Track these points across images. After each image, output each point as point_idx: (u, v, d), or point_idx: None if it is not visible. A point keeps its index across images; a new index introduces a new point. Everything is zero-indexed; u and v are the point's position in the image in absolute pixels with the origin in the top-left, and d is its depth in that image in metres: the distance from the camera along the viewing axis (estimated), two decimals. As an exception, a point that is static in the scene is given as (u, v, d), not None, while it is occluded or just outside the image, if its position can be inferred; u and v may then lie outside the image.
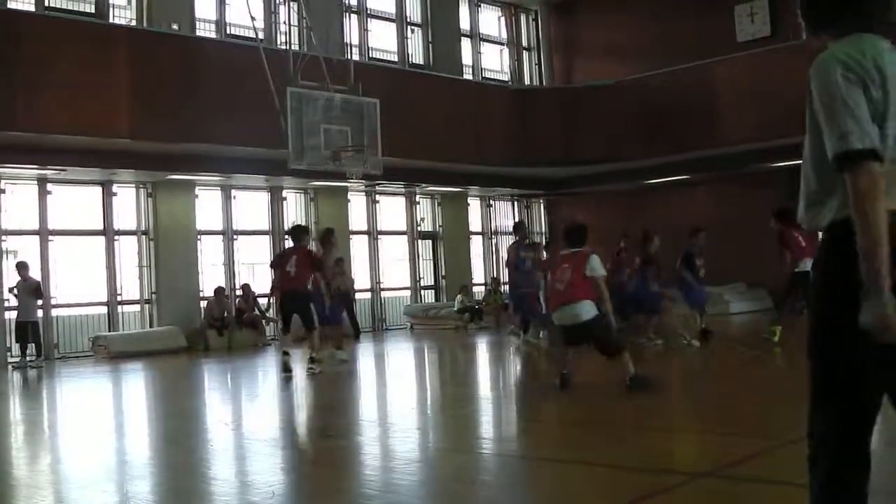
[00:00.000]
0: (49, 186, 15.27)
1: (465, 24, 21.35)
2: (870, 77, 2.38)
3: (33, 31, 13.26)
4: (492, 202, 22.50)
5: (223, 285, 16.86)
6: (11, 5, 14.19)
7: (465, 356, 14.32)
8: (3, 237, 14.77)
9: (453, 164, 18.78)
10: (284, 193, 18.27)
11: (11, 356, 14.23)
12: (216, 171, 16.27)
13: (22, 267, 14.14)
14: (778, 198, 13.75)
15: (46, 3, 14.68)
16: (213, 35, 16.63)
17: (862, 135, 2.32)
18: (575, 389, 8.37)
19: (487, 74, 21.78)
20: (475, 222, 22.13)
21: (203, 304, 16.62)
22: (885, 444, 4.66)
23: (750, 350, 11.78)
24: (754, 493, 4.53)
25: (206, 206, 17.18)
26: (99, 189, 15.99)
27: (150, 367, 13.54)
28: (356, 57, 17.20)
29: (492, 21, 22.32)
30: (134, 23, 15.54)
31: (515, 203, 23.12)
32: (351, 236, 18.94)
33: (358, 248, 19.32)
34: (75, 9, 15.00)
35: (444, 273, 20.97)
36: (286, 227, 17.28)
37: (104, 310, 15.90)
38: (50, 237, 15.21)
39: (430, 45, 20.33)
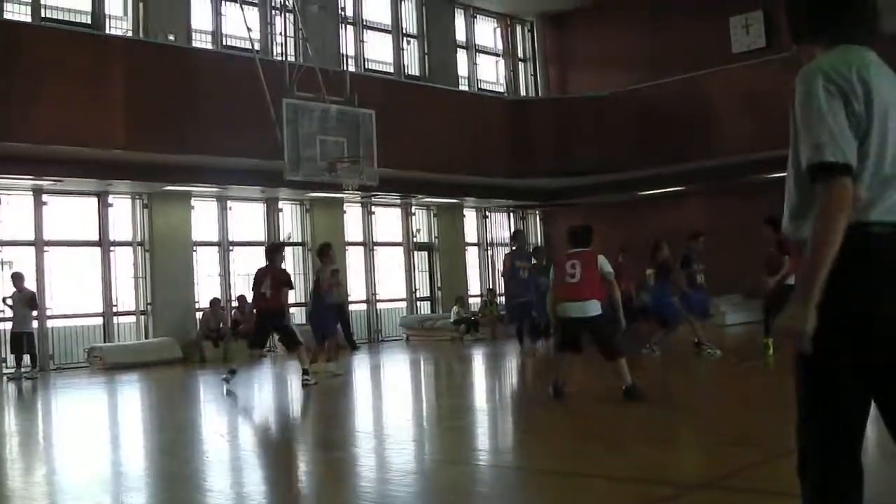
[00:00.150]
0: (45, 197, 15.25)
1: (460, 35, 21.41)
2: (852, 90, 2.37)
3: (30, 42, 13.24)
4: (488, 213, 22.51)
5: (219, 296, 16.84)
6: (8, 16, 14.20)
7: (461, 368, 14.31)
8: (-1, 248, 14.76)
9: (449, 175, 18.79)
10: (280, 205, 18.26)
11: (6, 367, 14.18)
12: (212, 182, 16.26)
13: (17, 278, 14.09)
14: (773, 209, 13.65)
15: (43, 15, 14.70)
16: (209, 46, 16.65)
17: (835, 148, 2.31)
18: (570, 399, 8.39)
19: (483, 85, 21.83)
20: (471, 233, 22.12)
21: (199, 315, 16.58)
22: (881, 455, 4.66)
23: (745, 361, 11.76)
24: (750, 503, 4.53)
25: (202, 217, 17.15)
26: (95, 200, 15.96)
27: (145, 379, 13.51)
28: (352, 68, 17.22)
29: (487, 32, 22.38)
30: (130, 34, 15.57)
31: (511, 214, 23.14)
32: (347, 247, 18.90)
33: (354, 260, 19.30)
34: (72, 20, 15.03)
35: (439, 284, 20.94)
36: (280, 240, 17.34)
37: (100, 321, 15.85)
38: (45, 248, 15.18)
39: (426, 57, 20.38)
